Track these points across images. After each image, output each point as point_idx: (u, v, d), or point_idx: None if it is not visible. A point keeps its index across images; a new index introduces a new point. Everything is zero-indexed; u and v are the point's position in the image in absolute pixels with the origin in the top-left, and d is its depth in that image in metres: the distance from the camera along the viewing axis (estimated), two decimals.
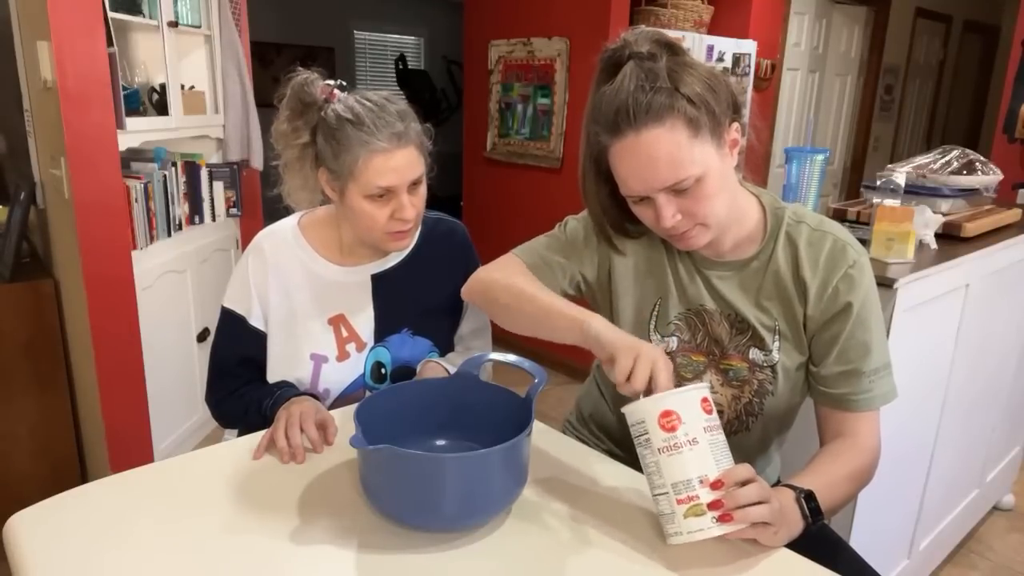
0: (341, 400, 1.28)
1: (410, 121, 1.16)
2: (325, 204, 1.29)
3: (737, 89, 1.00)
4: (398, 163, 1.14)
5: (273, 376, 1.27)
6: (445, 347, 1.36)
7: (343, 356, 1.27)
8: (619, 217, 1.09)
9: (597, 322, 0.96)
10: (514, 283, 1.10)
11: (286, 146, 1.19)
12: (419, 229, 1.30)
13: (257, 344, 1.27)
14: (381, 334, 1.29)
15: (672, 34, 1.81)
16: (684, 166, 0.93)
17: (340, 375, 1.28)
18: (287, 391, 1.21)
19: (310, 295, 1.26)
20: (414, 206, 1.19)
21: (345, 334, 1.28)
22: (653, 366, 0.88)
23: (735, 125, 0.99)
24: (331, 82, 1.17)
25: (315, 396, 1.24)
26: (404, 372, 1.30)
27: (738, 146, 1.00)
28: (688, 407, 0.84)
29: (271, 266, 1.25)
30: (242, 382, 1.28)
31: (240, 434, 1.31)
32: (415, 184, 1.18)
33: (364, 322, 1.28)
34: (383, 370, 1.30)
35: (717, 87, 0.96)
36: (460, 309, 1.38)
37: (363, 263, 1.29)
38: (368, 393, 1.27)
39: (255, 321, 1.26)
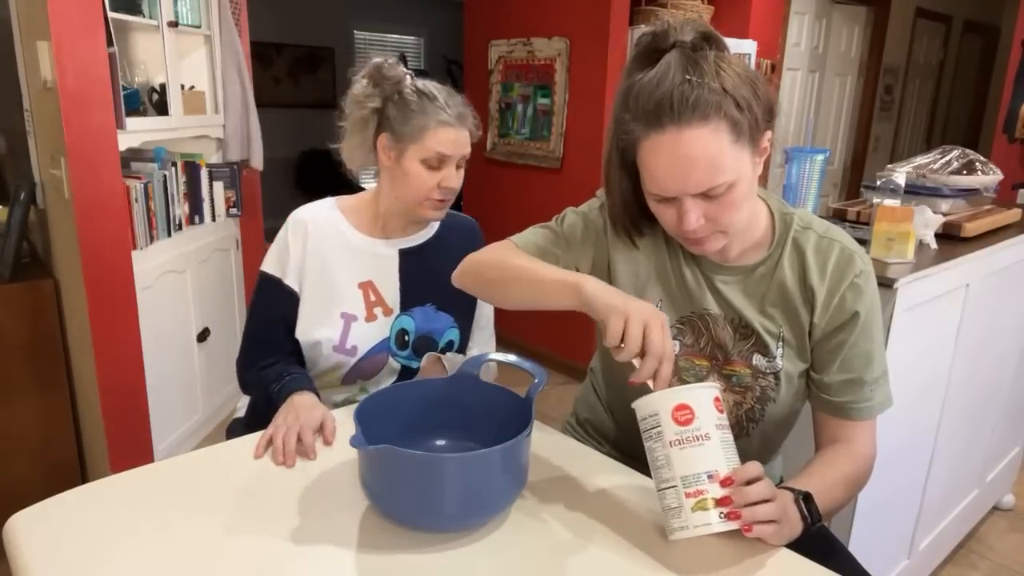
0: (366, 361, 1.36)
1: (470, 112, 1.35)
2: (366, 173, 1.34)
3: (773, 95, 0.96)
4: (458, 138, 1.31)
5: (306, 335, 1.34)
6: (465, 325, 1.43)
7: (371, 317, 1.37)
8: (637, 213, 1.06)
9: (591, 284, 0.93)
10: (502, 259, 1.09)
11: (357, 107, 1.33)
12: (445, 212, 1.40)
13: (291, 304, 1.35)
14: (406, 303, 1.39)
15: None
16: (721, 172, 0.90)
17: (368, 334, 1.36)
18: (292, 382, 1.24)
19: (344, 260, 1.37)
20: (457, 179, 1.34)
21: (373, 298, 1.38)
22: (645, 326, 0.86)
23: (768, 133, 0.95)
24: (407, 70, 1.36)
25: (332, 369, 1.34)
26: (425, 342, 1.39)
27: (766, 154, 0.97)
28: (702, 403, 0.85)
29: (310, 233, 1.35)
30: (268, 353, 1.35)
31: (244, 423, 1.41)
32: (461, 162, 1.34)
33: (391, 290, 1.39)
34: (407, 337, 1.38)
35: (760, 92, 0.91)
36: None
37: (393, 238, 1.40)
38: (391, 359, 1.37)
39: (290, 281, 1.35)
